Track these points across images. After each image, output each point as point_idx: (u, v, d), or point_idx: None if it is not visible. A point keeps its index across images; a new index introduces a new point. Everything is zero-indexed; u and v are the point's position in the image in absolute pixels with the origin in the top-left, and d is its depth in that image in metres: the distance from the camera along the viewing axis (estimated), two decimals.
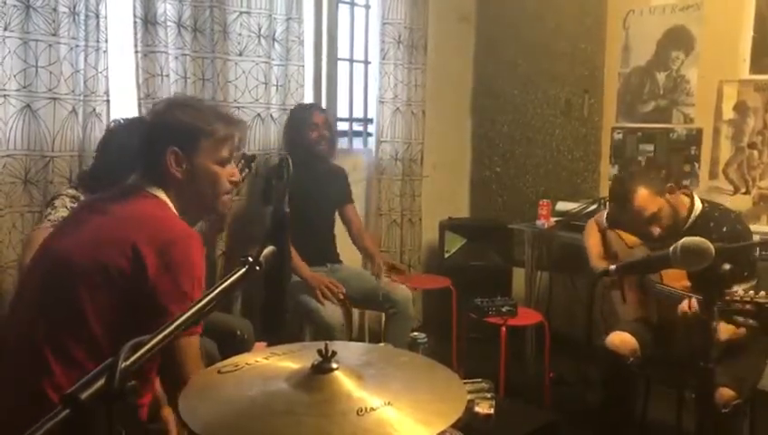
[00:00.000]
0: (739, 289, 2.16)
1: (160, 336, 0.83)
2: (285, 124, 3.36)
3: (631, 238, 2.65)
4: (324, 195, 3.22)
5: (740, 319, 1.68)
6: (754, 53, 3.41)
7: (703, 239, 1.31)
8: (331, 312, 2.98)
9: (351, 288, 3.26)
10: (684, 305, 2.21)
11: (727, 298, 1.74)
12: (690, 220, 2.41)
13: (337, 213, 3.45)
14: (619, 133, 4.00)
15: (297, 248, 3.01)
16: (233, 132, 1.64)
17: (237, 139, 1.67)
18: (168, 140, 1.56)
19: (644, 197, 2.36)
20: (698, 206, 2.43)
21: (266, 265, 1.01)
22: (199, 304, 0.91)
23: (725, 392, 2.17)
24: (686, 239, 1.31)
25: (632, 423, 2.56)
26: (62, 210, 2.18)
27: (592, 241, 2.88)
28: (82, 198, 2.21)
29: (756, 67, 3.41)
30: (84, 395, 0.69)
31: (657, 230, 2.38)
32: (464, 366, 3.38)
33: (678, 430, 2.62)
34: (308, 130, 3.21)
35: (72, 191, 2.29)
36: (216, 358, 2.38)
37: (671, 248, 1.31)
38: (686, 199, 2.44)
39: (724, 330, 2.10)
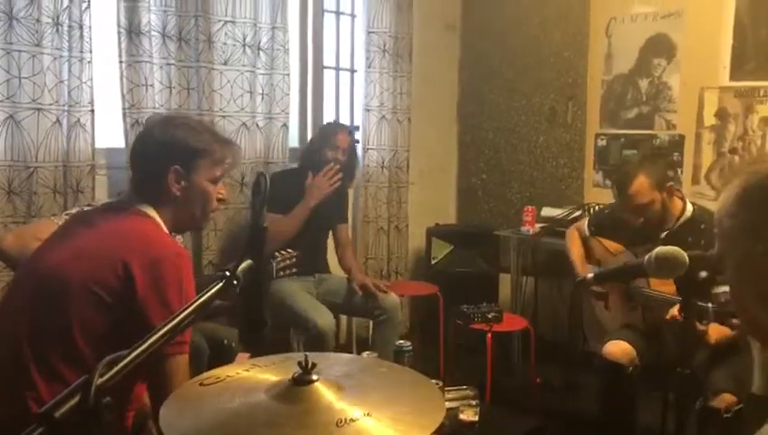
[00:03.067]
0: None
1: (138, 351, 0.83)
2: (314, 133, 3.50)
3: (614, 245, 2.67)
4: (324, 211, 3.23)
5: (735, 321, 1.71)
6: (734, 60, 3.45)
7: (677, 248, 1.33)
8: (323, 320, 2.97)
9: (340, 296, 3.28)
10: (674, 311, 2.24)
11: (722, 301, 1.77)
12: (678, 223, 2.45)
13: None
14: (602, 140, 4.04)
15: None
16: (227, 153, 1.69)
17: (231, 160, 1.71)
18: (169, 158, 1.58)
19: (642, 184, 2.39)
20: (689, 209, 2.48)
21: (243, 280, 1.02)
22: (177, 319, 0.91)
23: (727, 398, 2.18)
24: (660, 248, 1.33)
25: (632, 432, 2.56)
26: None
27: (575, 249, 2.90)
28: None
29: (736, 74, 3.46)
30: (59, 413, 0.69)
31: (639, 220, 2.42)
32: (451, 373, 3.39)
33: (662, 433, 2.64)
34: (327, 150, 3.23)
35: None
36: (204, 351, 2.39)
37: (646, 257, 1.33)
38: (679, 203, 2.49)
39: (714, 332, 2.12)
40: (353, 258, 3.48)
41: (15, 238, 2.09)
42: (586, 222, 2.90)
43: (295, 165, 3.45)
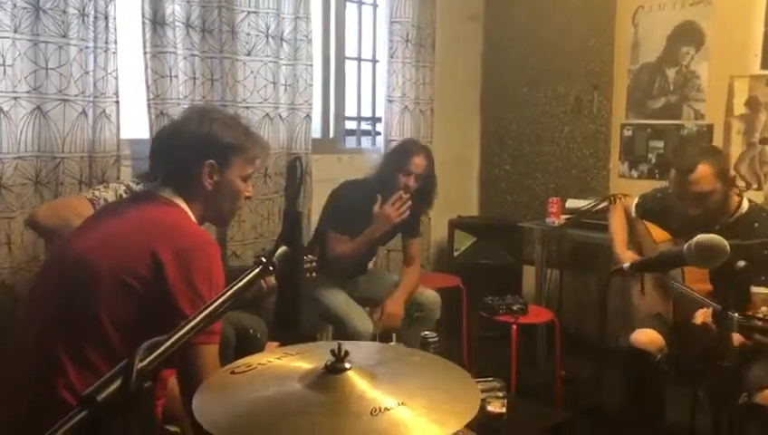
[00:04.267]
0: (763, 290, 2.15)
1: (176, 337, 0.83)
2: (390, 151, 3.30)
3: (659, 233, 2.62)
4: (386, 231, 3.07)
5: (760, 337, 1.67)
6: (766, 47, 3.39)
7: (718, 236, 1.29)
8: (362, 323, 2.91)
9: (375, 291, 3.20)
10: (699, 316, 2.20)
11: (749, 313, 1.73)
12: (735, 216, 2.39)
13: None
14: (628, 130, 3.98)
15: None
16: (258, 152, 1.72)
17: (261, 158, 1.75)
18: (205, 153, 1.60)
19: (705, 172, 2.31)
20: (745, 206, 2.41)
21: (279, 266, 1.01)
22: (213, 305, 0.90)
23: None
24: (700, 236, 1.30)
25: (658, 428, 2.52)
26: (108, 193, 2.23)
27: (617, 226, 2.83)
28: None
29: None
30: (101, 396, 0.69)
31: (697, 211, 2.35)
32: (475, 365, 3.37)
33: (692, 430, 2.60)
34: (401, 174, 3.01)
35: (131, 183, 2.35)
36: (231, 340, 2.40)
37: (686, 245, 1.30)
38: (736, 198, 2.43)
39: (737, 338, 2.07)
40: (414, 275, 3.24)
41: (49, 211, 2.13)
42: (634, 203, 2.81)
43: (364, 175, 3.22)
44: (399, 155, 3.09)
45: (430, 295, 3.18)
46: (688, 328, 2.34)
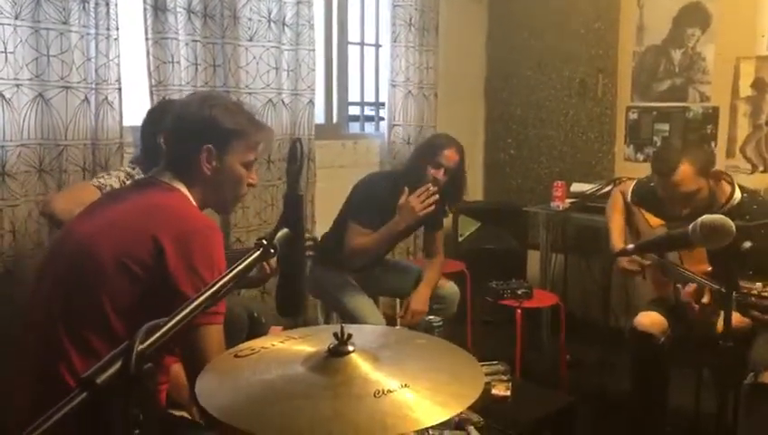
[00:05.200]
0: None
1: (176, 319, 0.82)
2: (420, 143, 3.21)
3: (654, 219, 2.61)
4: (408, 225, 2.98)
5: (756, 313, 1.65)
6: None
7: (723, 217, 1.28)
8: (374, 318, 2.87)
9: (391, 282, 3.17)
10: (687, 292, 2.17)
11: (744, 291, 1.71)
12: (726, 207, 2.33)
13: None
14: (633, 113, 3.96)
15: None
16: (261, 138, 1.69)
17: (263, 144, 1.72)
18: (203, 137, 1.58)
19: (687, 173, 2.28)
20: (737, 196, 2.36)
21: (280, 249, 1.01)
22: (214, 288, 0.90)
23: None
24: (706, 217, 1.29)
25: (663, 410, 2.51)
26: (113, 180, 2.25)
27: (615, 217, 2.80)
28: (137, 177, 2.27)
29: None
30: (101, 378, 0.69)
31: (685, 212, 2.32)
32: (479, 349, 3.37)
33: (697, 410, 2.60)
34: (429, 167, 2.87)
35: (129, 169, 2.36)
36: (245, 324, 2.40)
37: (691, 226, 1.29)
38: (728, 188, 2.38)
39: (735, 317, 2.06)
40: (438, 268, 3.15)
41: (65, 203, 2.13)
42: (630, 189, 2.78)
43: (389, 168, 3.18)
44: (430, 147, 2.98)
45: (451, 289, 3.12)
46: (688, 309, 2.33)
